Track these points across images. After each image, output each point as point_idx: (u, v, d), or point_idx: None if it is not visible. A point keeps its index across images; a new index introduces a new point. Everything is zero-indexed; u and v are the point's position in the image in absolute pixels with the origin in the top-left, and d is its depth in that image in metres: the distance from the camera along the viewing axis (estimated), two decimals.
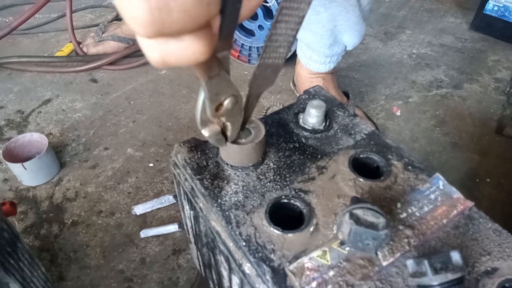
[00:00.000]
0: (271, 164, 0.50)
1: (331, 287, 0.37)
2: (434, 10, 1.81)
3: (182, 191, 0.54)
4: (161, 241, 0.82)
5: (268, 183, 0.47)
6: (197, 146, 0.52)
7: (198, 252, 0.63)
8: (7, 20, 1.57)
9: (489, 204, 0.93)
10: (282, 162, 0.50)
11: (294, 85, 1.21)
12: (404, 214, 0.44)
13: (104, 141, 1.04)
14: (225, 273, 0.53)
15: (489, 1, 1.53)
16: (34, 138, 0.94)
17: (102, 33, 1.37)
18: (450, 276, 0.34)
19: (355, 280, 0.38)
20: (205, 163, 0.50)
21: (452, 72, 1.39)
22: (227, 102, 0.37)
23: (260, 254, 0.40)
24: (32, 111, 1.13)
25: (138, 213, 0.86)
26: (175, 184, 0.56)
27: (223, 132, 0.42)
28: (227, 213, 0.44)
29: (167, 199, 0.89)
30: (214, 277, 0.62)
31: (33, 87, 1.23)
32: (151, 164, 0.98)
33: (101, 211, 0.87)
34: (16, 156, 0.92)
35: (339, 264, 0.39)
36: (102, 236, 0.82)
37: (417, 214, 0.44)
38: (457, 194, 0.46)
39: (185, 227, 0.65)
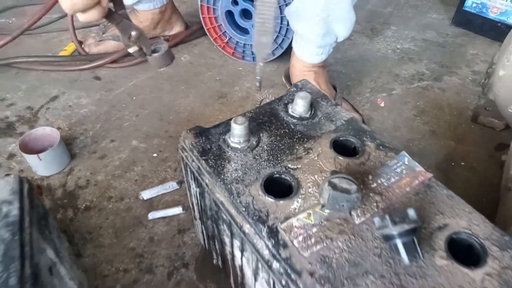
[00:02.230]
0: (265, 146, 0.59)
1: (314, 240, 0.47)
2: (418, 6, 1.91)
3: (189, 171, 0.63)
4: (167, 222, 0.91)
5: (263, 162, 0.56)
6: (202, 132, 0.61)
7: (203, 226, 0.72)
8: (10, 21, 1.64)
9: (462, 186, 1.03)
10: (275, 145, 0.59)
11: (286, 79, 1.30)
12: (375, 184, 0.53)
13: (110, 134, 1.13)
14: (227, 240, 0.62)
15: None
16: (46, 132, 1.02)
17: (103, 33, 1.45)
18: (406, 227, 0.43)
19: (333, 235, 0.47)
20: (209, 147, 0.59)
21: (433, 65, 1.48)
22: (133, 34, 0.70)
23: (257, 217, 0.50)
24: (41, 107, 1.21)
25: (145, 198, 0.95)
26: (182, 166, 0.65)
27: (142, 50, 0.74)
28: (229, 186, 0.53)
29: (171, 185, 0.98)
30: (217, 247, 0.71)
31: (40, 85, 1.30)
32: (154, 154, 1.07)
33: (111, 196, 0.96)
34: (31, 149, 1.00)
35: (320, 223, 0.49)
36: (114, 219, 0.91)
37: (385, 184, 0.53)
38: (419, 168, 0.56)
39: (190, 205, 0.74)
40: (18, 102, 1.23)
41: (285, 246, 0.47)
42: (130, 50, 0.74)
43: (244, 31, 1.38)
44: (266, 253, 0.48)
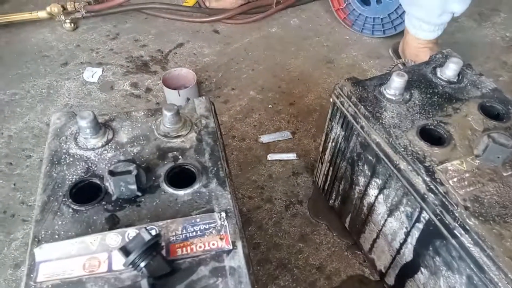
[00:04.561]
0: (417, 101, 0.66)
1: (467, 182, 0.55)
2: None
3: (338, 116, 0.72)
4: (282, 164, 1.02)
5: (416, 114, 0.64)
6: (358, 82, 0.70)
7: (330, 169, 0.82)
8: None
9: None
10: (425, 101, 0.66)
11: (394, 52, 1.34)
12: None
13: (230, 83, 1.25)
14: (362, 179, 0.72)
15: None
16: (182, 73, 1.16)
17: None
18: None
19: (484, 181, 0.55)
20: (366, 95, 0.67)
21: None
22: None
23: (415, 157, 0.58)
24: (169, 51, 1.36)
25: (264, 141, 1.06)
26: (330, 111, 0.75)
27: None
28: (388, 129, 0.62)
29: (286, 134, 1.09)
30: (341, 187, 0.81)
31: (166, 31, 1.45)
32: (270, 106, 1.18)
33: (234, 136, 1.08)
34: (169, 85, 1.14)
35: (472, 170, 0.56)
36: (237, 155, 1.04)
37: None
38: None
39: (320, 149, 0.84)
40: (150, 44, 1.38)
41: (441, 184, 0.55)
42: None
43: (366, 2, 1.41)
44: (421, 187, 0.56)
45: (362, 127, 0.66)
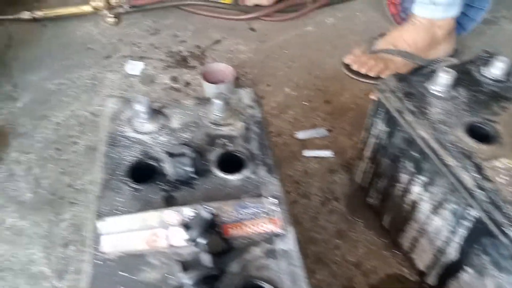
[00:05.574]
0: (463, 99, 0.66)
1: None
2: None
3: (382, 112, 0.73)
4: (318, 161, 1.03)
5: (462, 111, 0.64)
6: (403, 78, 0.70)
7: (371, 165, 0.83)
8: None
9: None
10: (471, 99, 0.66)
11: None
12: None
13: (266, 79, 1.27)
14: (405, 176, 0.72)
15: None
16: (220, 68, 1.19)
17: None
18: None
19: None
20: (411, 91, 0.68)
21: None
22: None
23: (462, 153, 0.58)
24: (207, 47, 1.39)
25: (300, 138, 1.08)
26: (374, 106, 0.75)
27: None
28: (434, 125, 0.62)
29: (322, 132, 1.09)
30: (381, 185, 0.81)
31: (204, 28, 1.48)
32: (305, 103, 1.19)
33: (270, 131, 1.10)
34: (208, 79, 1.17)
35: None
36: (274, 149, 1.05)
37: None
38: None
39: (361, 145, 0.84)
40: (188, 40, 1.42)
41: (490, 180, 0.55)
42: None
43: None
44: (470, 183, 0.56)
45: (407, 122, 0.66)
